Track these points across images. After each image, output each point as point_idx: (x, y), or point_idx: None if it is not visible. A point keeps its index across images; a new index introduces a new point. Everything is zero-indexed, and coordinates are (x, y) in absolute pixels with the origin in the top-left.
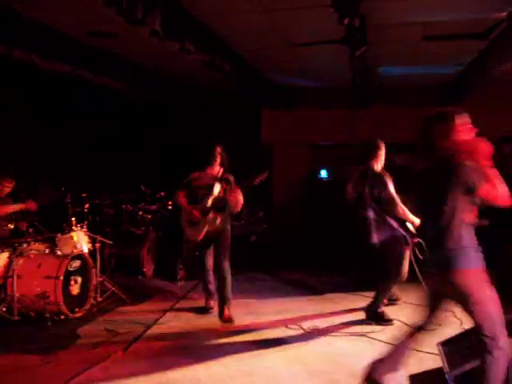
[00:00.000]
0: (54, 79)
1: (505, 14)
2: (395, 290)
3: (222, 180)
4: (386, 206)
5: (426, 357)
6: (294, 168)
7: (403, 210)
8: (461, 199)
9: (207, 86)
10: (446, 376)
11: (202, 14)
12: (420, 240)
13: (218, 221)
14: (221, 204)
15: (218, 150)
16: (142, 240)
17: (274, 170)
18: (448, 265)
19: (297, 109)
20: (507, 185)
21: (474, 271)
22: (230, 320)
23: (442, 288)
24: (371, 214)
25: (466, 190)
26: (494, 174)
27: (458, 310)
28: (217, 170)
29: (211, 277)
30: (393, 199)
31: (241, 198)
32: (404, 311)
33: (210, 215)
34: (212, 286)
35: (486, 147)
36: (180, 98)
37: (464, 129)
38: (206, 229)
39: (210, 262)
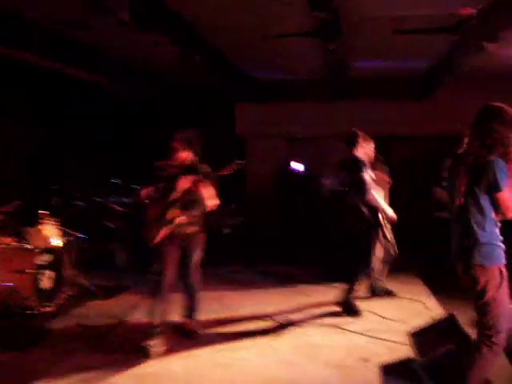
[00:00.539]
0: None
1: (474, 9)
2: (385, 284)
3: (190, 170)
4: (357, 191)
5: (398, 347)
6: (269, 161)
7: (374, 197)
8: (485, 195)
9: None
10: (416, 365)
11: (175, 6)
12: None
13: (183, 221)
14: (188, 200)
15: (177, 136)
16: (115, 233)
17: (249, 163)
18: (468, 259)
19: (273, 102)
20: None
21: (492, 269)
22: (193, 333)
23: (463, 280)
24: (349, 201)
25: (490, 187)
26: None
27: (429, 301)
28: (184, 156)
29: (166, 296)
30: (364, 184)
31: (212, 194)
32: (379, 302)
33: (172, 214)
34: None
35: None
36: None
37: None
38: (164, 230)
39: (170, 274)
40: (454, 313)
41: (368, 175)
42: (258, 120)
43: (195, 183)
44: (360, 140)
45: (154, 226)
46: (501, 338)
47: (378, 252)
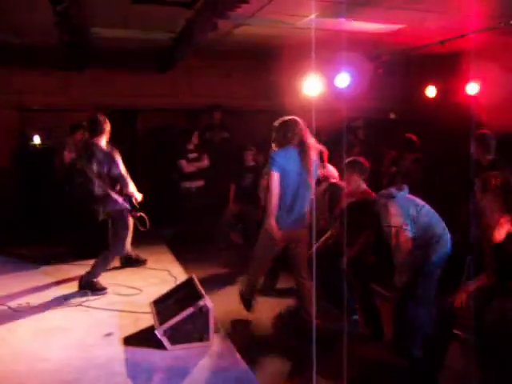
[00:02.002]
0: None
1: None
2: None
3: None
4: (116, 183)
5: (141, 316)
6: (8, 134)
7: (130, 186)
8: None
9: None
10: (156, 331)
11: None
12: (142, 214)
13: None
14: None
15: None
16: None
17: None
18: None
19: (9, 68)
20: None
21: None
22: None
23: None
24: (97, 190)
25: None
26: None
27: (172, 268)
28: None
29: None
30: (123, 177)
31: None
32: (125, 274)
33: None
34: None
35: None
36: None
37: None
38: None
39: None
40: (193, 276)
41: (121, 166)
42: None
43: None
44: (105, 126)
45: None
46: None
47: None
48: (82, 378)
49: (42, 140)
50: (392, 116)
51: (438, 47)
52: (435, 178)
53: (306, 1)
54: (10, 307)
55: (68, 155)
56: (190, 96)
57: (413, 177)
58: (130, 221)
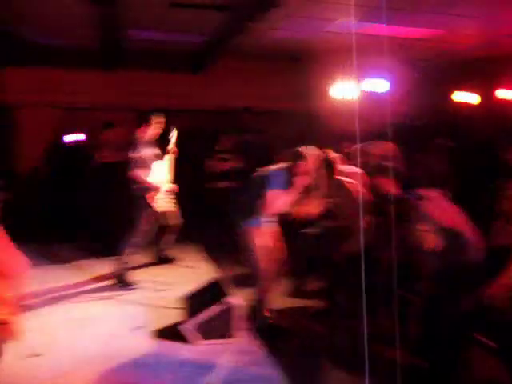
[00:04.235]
0: None
1: None
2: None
3: None
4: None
5: (170, 312)
6: (44, 132)
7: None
8: None
9: None
10: (186, 326)
11: None
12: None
13: None
14: None
15: None
16: None
17: (21, 135)
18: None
19: (47, 67)
20: None
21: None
22: None
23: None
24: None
25: None
26: None
27: (201, 266)
28: None
29: None
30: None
31: None
32: (158, 270)
33: None
34: None
35: None
36: None
37: None
38: None
39: None
40: (221, 275)
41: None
42: (28, 87)
43: None
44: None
45: None
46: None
47: (146, 225)
48: (109, 368)
49: (78, 139)
50: (425, 121)
51: (473, 52)
52: (465, 181)
53: (343, 5)
54: (45, 299)
55: (103, 153)
56: (222, 97)
57: (442, 179)
58: (147, 209)
